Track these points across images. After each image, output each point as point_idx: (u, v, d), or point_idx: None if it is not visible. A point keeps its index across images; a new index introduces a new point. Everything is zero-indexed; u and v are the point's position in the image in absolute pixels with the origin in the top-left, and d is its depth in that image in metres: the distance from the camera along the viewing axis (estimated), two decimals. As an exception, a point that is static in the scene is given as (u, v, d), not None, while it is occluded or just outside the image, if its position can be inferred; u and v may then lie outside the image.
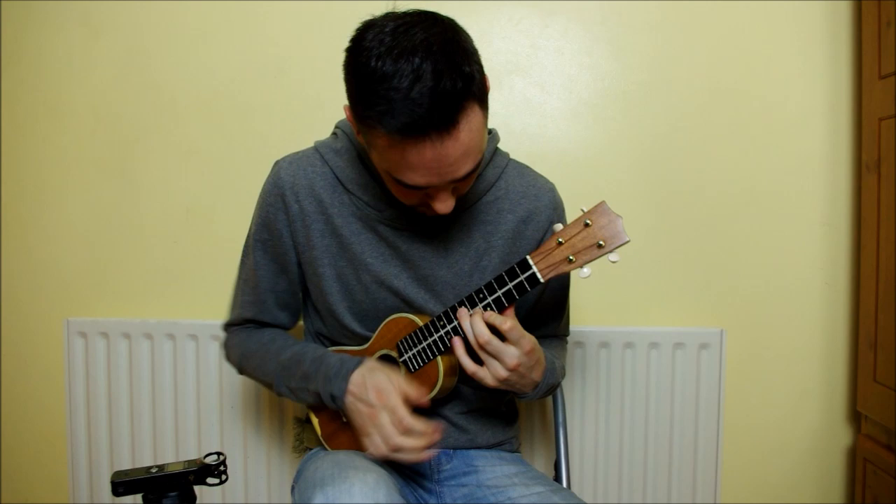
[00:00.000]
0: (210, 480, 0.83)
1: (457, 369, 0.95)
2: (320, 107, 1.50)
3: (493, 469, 1.03)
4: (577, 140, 1.50)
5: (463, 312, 0.87)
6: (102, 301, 1.58)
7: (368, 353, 1.01)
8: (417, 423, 0.85)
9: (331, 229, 0.98)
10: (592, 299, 1.50)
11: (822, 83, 1.47)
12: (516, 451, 1.15)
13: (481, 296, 0.87)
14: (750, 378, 1.52)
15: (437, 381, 0.93)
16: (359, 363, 0.92)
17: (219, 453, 0.84)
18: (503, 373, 0.85)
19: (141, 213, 1.56)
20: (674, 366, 1.46)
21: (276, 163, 1.01)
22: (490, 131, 1.02)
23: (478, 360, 0.88)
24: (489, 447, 1.09)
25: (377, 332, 1.00)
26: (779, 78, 1.47)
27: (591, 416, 1.48)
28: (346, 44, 0.79)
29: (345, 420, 1.03)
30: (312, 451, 1.09)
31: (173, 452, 1.52)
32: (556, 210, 1.04)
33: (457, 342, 0.89)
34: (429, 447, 0.86)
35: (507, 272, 0.85)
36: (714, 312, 1.52)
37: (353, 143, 0.97)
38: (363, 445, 0.89)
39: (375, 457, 0.87)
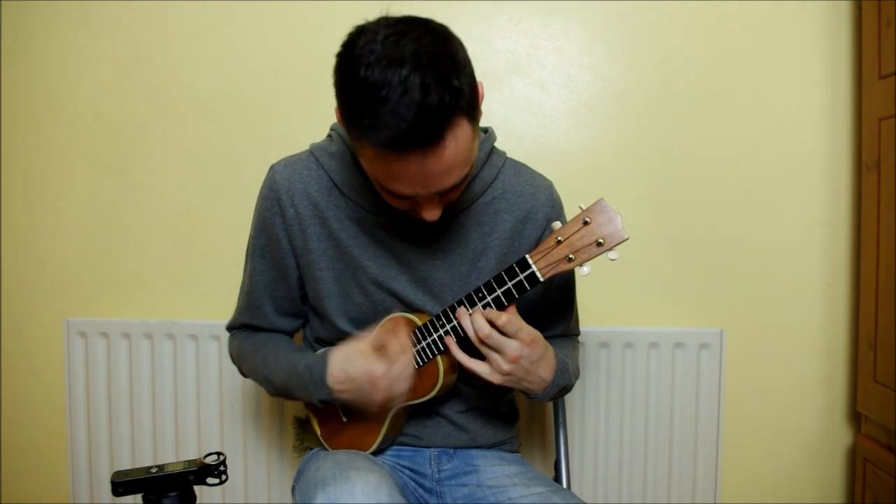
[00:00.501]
0: (210, 480, 0.83)
1: (456, 367, 0.95)
2: (319, 106, 1.50)
3: (494, 469, 1.03)
4: (577, 140, 1.50)
5: (462, 311, 0.87)
6: (102, 301, 1.58)
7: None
8: (408, 366, 0.89)
9: (327, 233, 0.97)
10: (592, 299, 1.50)
11: (822, 83, 1.47)
12: (516, 450, 1.15)
13: (480, 295, 0.87)
14: (750, 378, 1.52)
15: (438, 379, 0.93)
16: (324, 362, 0.92)
17: (219, 453, 0.84)
18: (505, 366, 0.85)
19: (141, 213, 1.56)
20: (674, 366, 1.46)
21: (272, 167, 1.00)
22: (486, 130, 1.02)
23: (480, 358, 0.88)
24: (489, 447, 1.08)
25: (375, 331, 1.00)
26: (779, 78, 1.47)
27: (591, 416, 1.48)
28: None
29: (345, 420, 1.03)
30: (313, 451, 1.09)
31: (173, 452, 1.51)
32: (554, 208, 1.04)
33: (449, 341, 0.89)
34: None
35: (506, 271, 0.85)
36: (714, 312, 1.51)
37: (348, 146, 0.97)
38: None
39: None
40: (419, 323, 0.94)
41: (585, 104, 1.50)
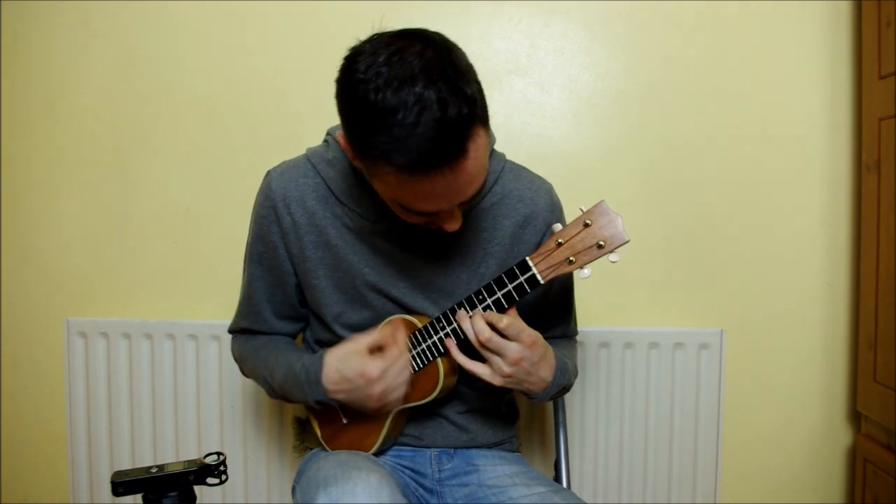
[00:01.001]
0: (210, 480, 0.82)
1: (457, 368, 0.95)
2: (318, 107, 1.50)
3: (494, 469, 1.03)
4: (578, 140, 1.50)
5: (462, 314, 0.87)
6: (102, 301, 1.58)
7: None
8: (404, 366, 0.89)
9: (324, 241, 0.97)
10: (592, 299, 1.50)
11: (822, 83, 1.47)
12: (516, 450, 1.15)
13: (481, 297, 0.87)
14: (750, 378, 1.52)
15: (438, 381, 0.93)
16: (320, 362, 0.92)
17: (219, 453, 0.84)
18: (507, 368, 0.85)
19: (141, 213, 1.56)
20: (674, 366, 1.46)
21: (268, 173, 1.00)
22: None
23: (480, 360, 0.88)
24: (489, 446, 1.09)
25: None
26: (779, 78, 1.47)
27: (591, 416, 1.48)
28: (343, 43, 0.77)
29: (346, 422, 1.03)
30: (313, 452, 1.09)
31: (173, 452, 1.52)
32: (554, 211, 1.03)
33: (449, 343, 0.89)
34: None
35: (506, 273, 0.85)
36: (714, 312, 1.51)
37: (345, 153, 0.96)
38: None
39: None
40: (419, 325, 0.94)
41: (586, 104, 1.50)
